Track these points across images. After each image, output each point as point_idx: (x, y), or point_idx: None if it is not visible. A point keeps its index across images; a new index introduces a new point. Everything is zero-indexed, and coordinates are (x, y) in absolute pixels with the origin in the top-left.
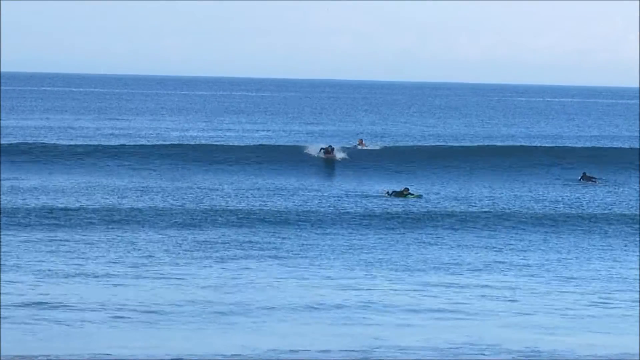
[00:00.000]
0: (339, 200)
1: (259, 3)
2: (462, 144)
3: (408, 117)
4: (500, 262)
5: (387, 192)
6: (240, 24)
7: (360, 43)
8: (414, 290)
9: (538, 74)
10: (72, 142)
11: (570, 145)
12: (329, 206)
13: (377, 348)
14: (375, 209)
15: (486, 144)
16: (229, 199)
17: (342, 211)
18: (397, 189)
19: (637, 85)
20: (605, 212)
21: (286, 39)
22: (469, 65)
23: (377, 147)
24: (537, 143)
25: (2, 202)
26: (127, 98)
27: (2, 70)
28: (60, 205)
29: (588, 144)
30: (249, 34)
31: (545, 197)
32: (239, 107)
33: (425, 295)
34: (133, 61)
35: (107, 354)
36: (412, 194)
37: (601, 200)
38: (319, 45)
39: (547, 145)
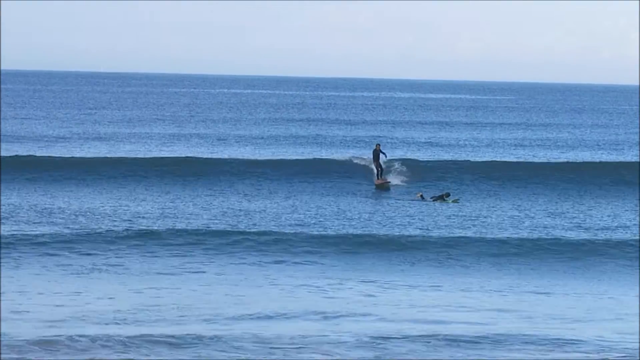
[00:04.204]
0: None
1: (259, 2)
2: None
3: None
4: None
5: (421, 195)
6: (240, 22)
7: (361, 41)
8: None
9: (540, 73)
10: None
11: None
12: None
13: None
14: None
15: None
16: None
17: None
18: (438, 194)
19: (638, 84)
20: None
21: (287, 37)
22: (470, 64)
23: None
24: None
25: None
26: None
27: (3, 68)
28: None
29: None
30: (249, 32)
31: None
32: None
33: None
34: (129, 59)
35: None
36: (453, 199)
37: None
38: (320, 43)
39: None
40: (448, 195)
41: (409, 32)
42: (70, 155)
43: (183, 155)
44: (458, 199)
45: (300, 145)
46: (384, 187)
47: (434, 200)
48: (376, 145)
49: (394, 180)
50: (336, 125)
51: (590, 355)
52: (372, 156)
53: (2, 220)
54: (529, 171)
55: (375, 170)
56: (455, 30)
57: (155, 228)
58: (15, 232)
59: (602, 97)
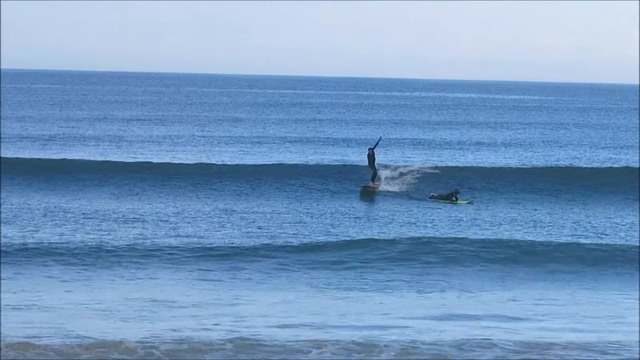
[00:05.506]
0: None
1: (260, 2)
2: None
3: None
4: None
5: (433, 195)
6: (240, 21)
7: (362, 41)
8: None
9: (540, 72)
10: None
11: None
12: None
13: None
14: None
15: None
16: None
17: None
18: (445, 192)
19: (638, 83)
20: None
21: (287, 37)
22: (470, 63)
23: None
24: None
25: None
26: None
27: (3, 68)
28: None
29: None
30: (248, 32)
31: None
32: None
33: None
34: (129, 59)
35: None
36: (464, 200)
37: None
38: (321, 43)
39: None
40: (457, 192)
41: (409, 31)
42: (72, 158)
43: (183, 161)
44: (472, 201)
45: (299, 146)
46: (370, 192)
47: (436, 199)
48: (369, 150)
49: (400, 186)
50: (336, 125)
51: (591, 357)
52: (367, 160)
53: (2, 222)
54: (539, 176)
55: (371, 173)
56: (455, 30)
57: (166, 239)
58: (16, 234)
59: (608, 96)
